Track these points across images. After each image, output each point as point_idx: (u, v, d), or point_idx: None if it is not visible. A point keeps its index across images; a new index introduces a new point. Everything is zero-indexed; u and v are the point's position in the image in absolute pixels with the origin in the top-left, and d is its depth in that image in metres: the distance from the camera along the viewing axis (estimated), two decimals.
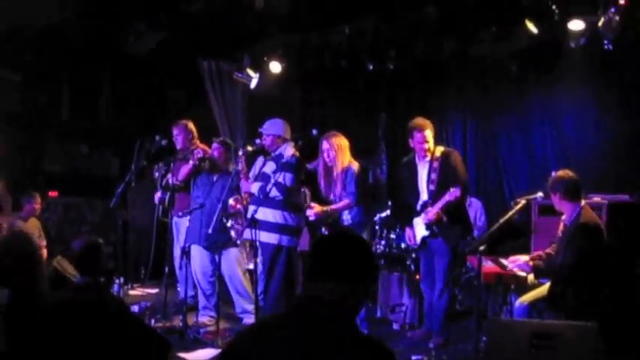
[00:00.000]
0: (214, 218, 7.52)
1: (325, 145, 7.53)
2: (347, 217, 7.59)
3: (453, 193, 6.89)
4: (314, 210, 7.47)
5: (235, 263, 8.06)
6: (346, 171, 7.47)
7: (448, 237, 7.22)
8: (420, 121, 7.32)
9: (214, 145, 8.29)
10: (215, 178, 8.08)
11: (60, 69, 11.70)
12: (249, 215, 7.41)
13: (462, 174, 7.24)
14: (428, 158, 7.28)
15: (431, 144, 7.23)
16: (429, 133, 7.20)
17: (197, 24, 10.01)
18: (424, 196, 7.30)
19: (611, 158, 9.43)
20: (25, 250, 4.25)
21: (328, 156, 7.50)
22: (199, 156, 8.12)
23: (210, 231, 7.49)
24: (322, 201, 7.70)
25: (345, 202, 7.44)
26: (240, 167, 7.75)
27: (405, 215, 7.65)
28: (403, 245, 8.52)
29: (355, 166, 7.56)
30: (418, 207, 7.33)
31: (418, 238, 7.36)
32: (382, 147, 11.68)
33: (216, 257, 7.95)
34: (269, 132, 7.70)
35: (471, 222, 8.31)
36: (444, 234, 7.21)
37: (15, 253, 4.19)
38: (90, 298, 4.40)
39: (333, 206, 7.50)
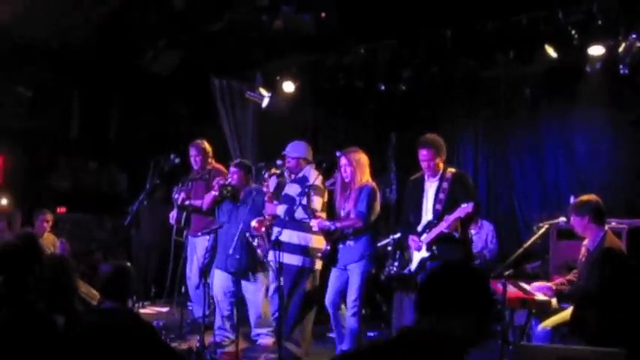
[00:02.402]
0: (235, 239, 7.52)
1: (343, 160, 7.30)
2: (350, 238, 7.24)
3: (464, 209, 6.60)
4: (318, 220, 7.28)
5: (261, 289, 8.03)
6: (361, 189, 7.23)
7: (447, 259, 6.83)
8: (425, 137, 7.10)
9: (232, 169, 8.20)
10: (238, 205, 8.03)
11: (70, 85, 11.68)
12: (272, 237, 7.36)
13: (472, 195, 6.99)
14: (437, 177, 7.04)
15: (437, 162, 6.97)
16: (433, 151, 6.94)
17: (212, 43, 10.00)
18: (429, 215, 7.03)
19: (624, 183, 9.44)
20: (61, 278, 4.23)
21: (345, 171, 7.28)
22: (221, 183, 8.08)
23: (231, 251, 7.47)
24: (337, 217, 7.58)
25: (352, 219, 7.19)
26: (265, 189, 7.72)
27: (408, 229, 7.29)
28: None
29: (372, 185, 7.34)
30: (420, 227, 7.07)
31: (416, 261, 7.09)
32: (392, 167, 11.67)
33: (241, 283, 7.99)
34: (293, 154, 7.64)
35: (473, 248, 8.11)
36: (445, 256, 6.86)
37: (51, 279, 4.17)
38: (121, 324, 4.37)
39: (338, 222, 7.27)
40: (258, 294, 8.06)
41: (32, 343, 3.87)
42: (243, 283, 8.08)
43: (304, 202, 7.34)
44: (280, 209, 7.52)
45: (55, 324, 4.26)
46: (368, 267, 7.21)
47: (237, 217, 7.87)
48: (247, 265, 7.85)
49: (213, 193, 8.19)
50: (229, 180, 8.17)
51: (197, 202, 8.67)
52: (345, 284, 7.25)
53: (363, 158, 7.35)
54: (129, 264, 5.02)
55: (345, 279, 7.24)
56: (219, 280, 8.08)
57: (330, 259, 7.35)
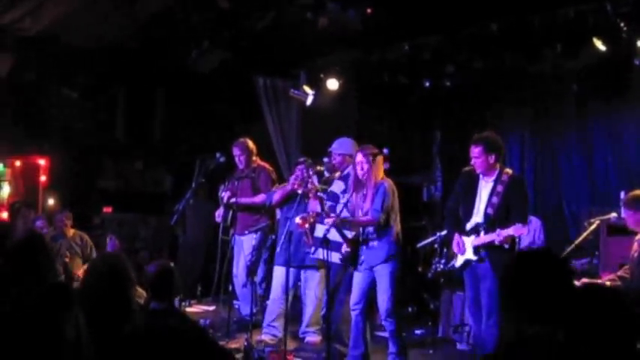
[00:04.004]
0: (282, 235, 7.57)
1: (360, 157, 7.14)
2: (373, 237, 7.13)
3: (520, 230, 6.40)
4: (332, 219, 7.09)
5: (319, 286, 8.03)
6: (378, 187, 7.09)
7: (496, 263, 6.69)
8: (479, 134, 6.92)
9: (300, 166, 8.10)
10: (298, 199, 7.99)
11: (116, 86, 11.79)
12: (319, 234, 7.30)
13: (525, 205, 6.87)
14: (493, 178, 6.84)
15: (488, 160, 6.76)
16: (482, 148, 6.74)
17: (257, 41, 10.02)
18: (479, 217, 6.84)
19: None
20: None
21: (362, 169, 7.10)
22: (301, 179, 7.97)
23: (278, 249, 7.47)
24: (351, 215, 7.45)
25: (368, 217, 7.05)
26: (310, 186, 7.70)
27: (455, 221, 7.15)
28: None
29: (388, 182, 7.19)
30: (469, 226, 6.91)
31: (460, 260, 6.95)
32: (437, 164, 11.60)
33: (300, 276, 8.05)
34: (339, 151, 7.62)
35: (521, 244, 7.94)
36: (492, 259, 6.72)
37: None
38: (171, 325, 4.37)
39: (354, 219, 7.14)
40: (317, 291, 8.07)
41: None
42: (308, 278, 8.11)
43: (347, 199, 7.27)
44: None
45: (116, 326, 4.30)
46: (396, 268, 7.07)
47: (299, 211, 7.82)
48: (304, 255, 7.83)
49: (290, 188, 8.13)
50: (302, 176, 8.11)
51: (243, 200, 8.68)
52: (370, 285, 7.12)
53: (379, 156, 7.23)
54: (172, 263, 5.05)
55: (371, 279, 7.12)
56: (280, 276, 8.02)
57: (352, 261, 7.23)
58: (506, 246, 6.61)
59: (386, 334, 7.30)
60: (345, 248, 7.19)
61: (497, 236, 6.54)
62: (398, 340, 7.10)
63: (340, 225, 7.12)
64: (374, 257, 7.07)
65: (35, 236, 5.31)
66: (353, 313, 7.21)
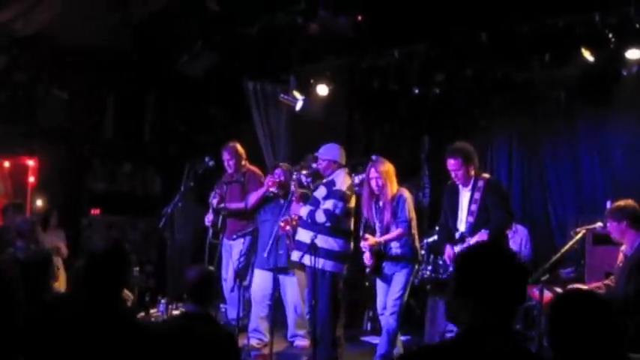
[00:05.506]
0: (270, 240, 7.65)
1: (373, 173, 7.31)
2: (396, 247, 7.34)
3: (482, 235, 6.64)
4: (368, 242, 7.29)
5: (299, 289, 8.08)
6: (397, 198, 7.27)
7: None
8: (453, 146, 7.07)
9: (278, 170, 8.29)
10: (282, 202, 8.06)
11: (106, 88, 11.78)
12: (303, 239, 7.41)
13: (503, 205, 6.97)
14: (469, 187, 7.00)
15: (466, 171, 6.93)
16: (461, 160, 6.89)
17: (247, 46, 10.04)
18: (462, 226, 7.02)
19: None
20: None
21: (377, 184, 7.28)
22: (279, 181, 8.14)
23: (266, 250, 7.58)
24: (369, 228, 7.56)
25: (399, 230, 7.22)
26: (293, 189, 7.75)
27: (446, 234, 7.33)
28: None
29: (406, 192, 7.39)
30: (457, 236, 7.06)
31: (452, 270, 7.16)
32: (425, 171, 11.65)
33: (280, 280, 8.12)
34: (325, 157, 7.64)
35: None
36: None
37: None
38: (206, 329, 4.44)
39: (387, 236, 7.28)
40: (298, 295, 8.13)
41: (122, 349, 3.95)
42: (283, 282, 8.21)
43: (329, 206, 7.35)
44: (304, 210, 7.52)
45: (142, 328, 4.35)
46: (411, 271, 7.32)
47: (280, 216, 7.90)
48: (288, 261, 7.88)
49: (273, 190, 8.23)
50: (278, 179, 8.20)
51: (232, 205, 8.71)
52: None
53: (390, 168, 7.38)
54: (211, 268, 5.11)
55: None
56: (259, 280, 8.16)
57: (377, 271, 7.41)
58: None
59: (371, 339, 7.37)
60: (368, 261, 7.37)
61: (467, 244, 6.76)
62: (393, 341, 7.26)
63: (375, 246, 7.32)
64: (395, 265, 7.29)
65: None
66: (381, 318, 7.45)
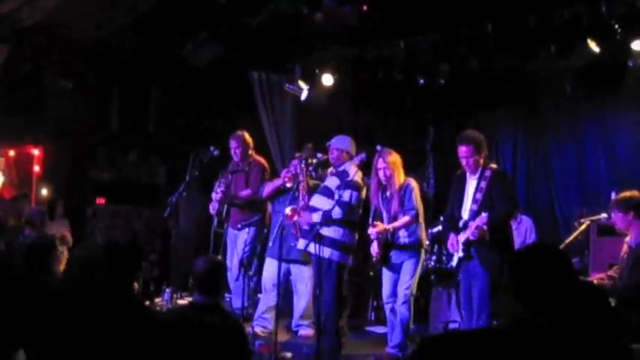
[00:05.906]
0: (275, 229, 7.68)
1: (381, 163, 7.37)
2: (404, 236, 7.39)
3: (482, 219, 6.61)
4: (377, 229, 7.34)
5: (310, 279, 8.07)
6: (405, 188, 7.35)
7: (484, 259, 6.82)
8: (465, 133, 7.07)
9: (295, 161, 8.16)
10: (292, 194, 8.04)
11: (111, 77, 11.78)
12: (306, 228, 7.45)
13: (508, 195, 6.95)
14: (477, 175, 6.97)
15: (477, 159, 6.90)
16: (472, 148, 6.87)
17: (253, 36, 10.03)
18: (466, 214, 6.99)
19: None
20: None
21: (385, 175, 7.34)
22: (294, 174, 8.08)
23: (270, 243, 7.57)
24: (378, 217, 7.57)
25: (406, 218, 7.27)
26: (301, 179, 7.76)
27: (450, 223, 7.29)
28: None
29: (413, 182, 7.45)
30: (460, 225, 7.03)
31: (456, 259, 7.09)
32: (430, 161, 11.66)
33: (292, 271, 8.19)
34: (337, 146, 7.62)
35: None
36: (480, 256, 6.84)
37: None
38: (216, 320, 4.43)
39: (395, 223, 7.33)
40: (307, 286, 8.16)
41: (134, 336, 3.98)
42: (296, 272, 8.22)
43: (345, 197, 7.36)
44: (316, 200, 7.55)
45: (153, 316, 4.37)
46: (419, 259, 7.39)
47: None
48: (303, 253, 7.87)
49: (288, 184, 8.15)
50: (294, 171, 8.16)
51: (243, 193, 8.73)
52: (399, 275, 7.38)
53: (397, 159, 7.45)
54: (220, 257, 5.10)
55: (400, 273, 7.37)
56: (271, 268, 8.11)
57: (384, 261, 7.45)
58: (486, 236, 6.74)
59: (376, 329, 7.39)
60: (375, 251, 7.43)
61: (468, 230, 6.79)
62: (406, 330, 7.31)
63: (383, 233, 7.38)
64: (403, 254, 7.36)
65: None
66: (387, 307, 7.50)
